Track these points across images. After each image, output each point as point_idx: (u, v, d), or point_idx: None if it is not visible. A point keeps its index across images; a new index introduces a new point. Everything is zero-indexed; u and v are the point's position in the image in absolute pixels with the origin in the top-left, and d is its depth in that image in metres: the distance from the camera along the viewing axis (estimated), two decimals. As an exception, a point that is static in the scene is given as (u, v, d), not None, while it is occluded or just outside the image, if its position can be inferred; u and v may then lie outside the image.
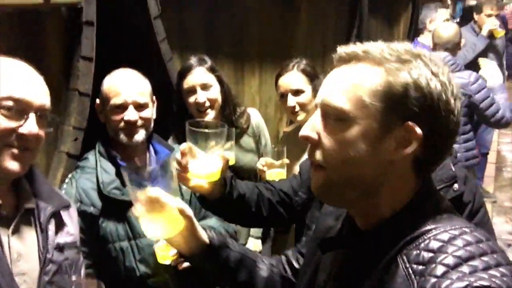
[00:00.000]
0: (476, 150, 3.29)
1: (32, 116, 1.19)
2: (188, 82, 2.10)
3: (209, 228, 1.21)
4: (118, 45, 2.13)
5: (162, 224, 1.06)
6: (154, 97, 1.82)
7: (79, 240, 1.43)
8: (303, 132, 0.91)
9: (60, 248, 1.31)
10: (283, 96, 2.21)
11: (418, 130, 0.84)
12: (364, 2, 3.93)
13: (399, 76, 0.85)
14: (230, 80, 2.69)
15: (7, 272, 1.16)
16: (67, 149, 1.76)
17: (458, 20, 5.50)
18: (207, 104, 2.09)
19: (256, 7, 2.87)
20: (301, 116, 2.14)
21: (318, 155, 0.89)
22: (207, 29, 2.56)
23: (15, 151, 1.18)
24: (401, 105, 0.84)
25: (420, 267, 0.79)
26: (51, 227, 1.30)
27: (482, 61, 3.22)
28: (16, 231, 1.25)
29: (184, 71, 2.12)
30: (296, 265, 1.24)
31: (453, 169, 1.36)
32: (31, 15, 1.62)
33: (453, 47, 3.26)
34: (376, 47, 0.89)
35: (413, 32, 4.96)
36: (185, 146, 1.29)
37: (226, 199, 1.42)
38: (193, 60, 2.13)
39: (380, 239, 0.88)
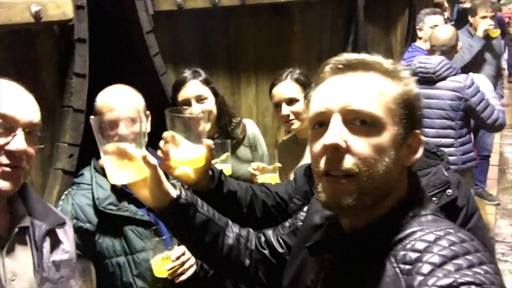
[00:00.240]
0: (474, 152, 3.27)
1: (19, 132, 1.19)
2: (183, 95, 2.11)
3: (182, 187, 1.23)
4: (112, 60, 2.14)
5: (127, 171, 1.12)
6: (148, 112, 1.83)
7: (76, 257, 1.44)
8: (330, 140, 0.87)
9: (56, 266, 1.31)
10: (278, 106, 2.22)
11: (423, 138, 0.93)
12: (360, 7, 3.94)
13: (411, 86, 0.93)
14: (226, 91, 2.70)
15: (2, 292, 1.16)
16: (62, 165, 1.77)
17: (453, 23, 5.50)
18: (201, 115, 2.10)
19: (250, 19, 2.88)
20: (295, 125, 2.15)
21: (349, 163, 0.87)
22: (201, 41, 2.58)
23: (5, 169, 1.18)
24: (412, 113, 0.92)
25: (407, 266, 0.82)
26: (46, 245, 1.31)
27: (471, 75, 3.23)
28: (10, 250, 1.25)
29: (179, 84, 2.13)
30: (279, 249, 1.24)
31: (446, 174, 1.35)
32: (23, 34, 1.64)
33: (449, 50, 3.26)
34: (377, 58, 0.95)
35: (410, 37, 4.96)
36: (167, 133, 1.28)
37: (214, 193, 1.41)
38: (187, 73, 2.14)
39: (368, 241, 0.91)
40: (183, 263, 1.67)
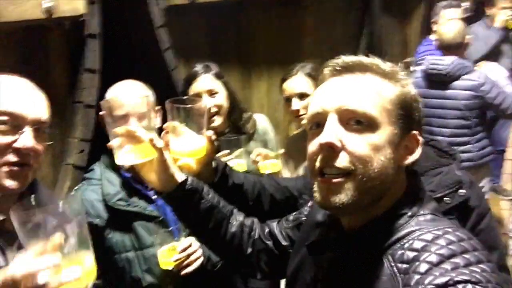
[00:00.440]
0: (491, 146, 3.23)
1: (27, 130, 1.19)
2: (194, 89, 2.10)
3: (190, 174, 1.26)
4: (123, 55, 2.15)
5: (134, 152, 1.15)
6: (157, 107, 1.83)
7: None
8: (325, 139, 0.89)
9: None
10: (288, 100, 2.20)
11: (421, 139, 0.94)
12: (376, -1, 3.88)
13: (408, 88, 0.95)
14: (237, 85, 2.69)
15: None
16: (73, 161, 1.79)
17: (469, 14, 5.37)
18: (214, 110, 2.10)
19: (261, 12, 2.86)
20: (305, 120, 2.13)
21: (344, 161, 0.89)
22: (212, 35, 2.57)
23: (13, 168, 1.18)
24: (410, 115, 0.94)
25: (405, 265, 0.83)
26: None
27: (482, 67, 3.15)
28: (21, 247, 1.26)
29: (190, 78, 2.13)
30: (283, 242, 1.26)
31: (458, 173, 1.33)
32: (35, 30, 1.65)
33: (457, 47, 3.15)
34: (375, 60, 0.97)
35: (426, 30, 4.87)
36: (167, 124, 1.29)
37: (218, 186, 1.40)
38: (198, 67, 2.14)
39: (366, 240, 0.92)
40: (189, 255, 1.66)
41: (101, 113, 1.25)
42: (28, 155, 1.19)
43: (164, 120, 1.83)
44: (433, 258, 0.79)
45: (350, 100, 0.91)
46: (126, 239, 1.68)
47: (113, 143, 1.16)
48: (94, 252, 1.50)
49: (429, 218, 0.91)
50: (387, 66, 0.97)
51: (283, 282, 1.46)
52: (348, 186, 0.88)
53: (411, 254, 0.83)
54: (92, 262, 0.89)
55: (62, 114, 1.78)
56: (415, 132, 0.94)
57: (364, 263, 0.89)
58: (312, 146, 0.94)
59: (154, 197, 1.71)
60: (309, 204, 1.25)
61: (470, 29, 3.39)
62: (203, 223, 1.27)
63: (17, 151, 1.18)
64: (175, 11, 2.25)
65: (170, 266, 1.64)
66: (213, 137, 1.34)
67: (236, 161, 1.91)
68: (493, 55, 4.09)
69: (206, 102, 2.08)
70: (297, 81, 2.19)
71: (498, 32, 4.05)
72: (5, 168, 1.17)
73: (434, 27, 4.07)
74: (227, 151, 1.85)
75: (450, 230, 0.85)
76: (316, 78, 2.20)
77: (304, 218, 1.24)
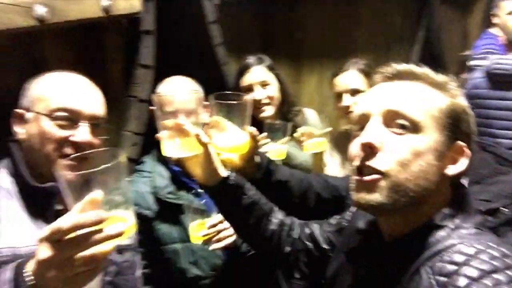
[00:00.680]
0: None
1: (84, 124, 1.26)
2: (246, 80, 2.13)
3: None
4: (176, 50, 2.19)
5: (181, 146, 1.18)
6: (206, 103, 1.86)
7: (137, 242, 1.52)
8: (365, 139, 0.92)
9: (119, 250, 1.39)
10: (339, 96, 2.18)
11: (468, 151, 0.94)
12: (436, -13, 3.73)
13: (459, 99, 0.96)
14: (288, 79, 2.68)
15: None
16: (126, 154, 1.85)
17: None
18: (265, 101, 2.11)
19: (314, 5, 2.82)
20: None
21: (381, 162, 0.90)
22: (263, 30, 2.57)
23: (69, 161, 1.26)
24: (458, 125, 0.94)
25: (444, 278, 0.81)
26: None
27: None
28: None
29: (243, 70, 2.15)
30: (324, 245, 1.27)
31: None
32: (93, 27, 1.72)
33: None
34: (426, 70, 0.98)
35: (488, 22, 4.62)
36: (211, 119, 1.31)
37: (262, 181, 1.41)
38: (251, 59, 2.16)
39: (405, 250, 0.91)
40: (219, 232, 1.66)
41: (151, 107, 1.29)
42: (85, 149, 1.26)
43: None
44: (474, 273, 0.77)
45: (395, 102, 0.93)
46: (173, 231, 1.73)
47: (161, 135, 1.20)
48: (144, 242, 1.58)
49: (472, 232, 0.89)
50: (438, 76, 0.97)
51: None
52: (383, 185, 0.89)
53: (451, 268, 0.81)
54: (133, 220, 0.92)
55: (118, 108, 1.85)
56: (462, 143, 0.94)
57: (402, 273, 0.89)
58: (353, 146, 0.96)
59: (200, 191, 1.74)
60: (352, 209, 1.25)
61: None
62: (244, 219, 1.30)
63: (74, 145, 1.25)
64: (226, 6, 2.26)
65: (199, 241, 1.65)
66: (256, 133, 1.35)
67: (277, 147, 1.87)
68: None
69: (256, 94, 2.10)
70: (349, 77, 2.16)
71: None
72: (63, 161, 1.25)
73: (494, 20, 3.84)
74: (265, 134, 1.79)
75: (493, 245, 0.83)
76: (368, 74, 2.18)
77: (345, 223, 1.24)
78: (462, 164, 0.93)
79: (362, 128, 0.96)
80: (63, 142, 1.25)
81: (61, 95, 1.26)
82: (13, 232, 1.17)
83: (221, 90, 2.20)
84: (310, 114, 2.39)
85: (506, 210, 1.22)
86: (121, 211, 0.90)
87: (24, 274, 0.88)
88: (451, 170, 0.93)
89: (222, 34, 2.21)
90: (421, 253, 0.88)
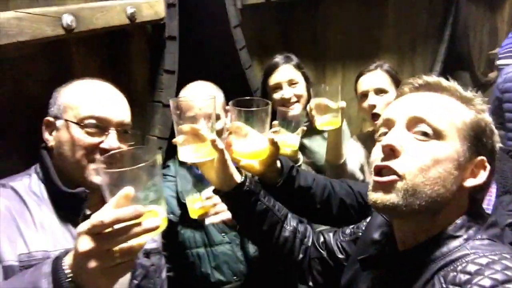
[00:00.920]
0: None
1: (112, 132, 1.31)
2: (274, 79, 2.14)
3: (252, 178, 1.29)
4: (200, 55, 2.22)
5: (196, 151, 1.19)
6: (227, 107, 1.88)
7: (161, 245, 1.54)
8: (387, 141, 0.94)
9: (147, 254, 1.42)
10: (364, 96, 2.16)
11: (488, 166, 0.95)
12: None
13: (484, 115, 0.97)
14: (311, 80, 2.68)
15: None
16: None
17: None
18: (293, 99, 2.12)
19: (339, 6, 2.81)
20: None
21: (401, 165, 0.92)
22: (286, 32, 2.57)
23: (100, 166, 1.29)
24: (481, 140, 0.95)
25: (457, 287, 0.82)
26: None
27: None
28: None
29: (271, 69, 2.16)
30: (338, 254, 1.28)
31: None
32: (118, 34, 1.75)
33: None
34: (454, 84, 1.01)
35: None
36: (231, 124, 1.32)
37: (283, 187, 1.41)
38: (279, 57, 2.17)
39: (419, 259, 0.92)
40: (215, 205, 1.63)
41: (170, 99, 1.30)
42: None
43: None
44: (486, 283, 0.78)
45: (419, 110, 0.95)
46: (197, 235, 1.75)
47: (178, 139, 1.21)
48: (168, 246, 1.60)
49: (485, 243, 0.90)
50: (465, 91, 0.99)
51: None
52: (400, 187, 0.90)
53: (463, 277, 0.82)
54: (165, 215, 0.96)
55: (143, 113, 1.88)
56: (483, 158, 0.95)
57: (416, 282, 0.90)
58: (375, 149, 0.99)
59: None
60: (368, 220, 1.25)
61: None
62: (257, 225, 1.31)
63: (103, 151, 1.28)
64: (250, 9, 2.27)
65: (195, 215, 1.64)
66: (275, 139, 1.35)
67: (289, 137, 1.71)
68: None
69: (284, 93, 2.10)
70: (375, 76, 2.15)
71: None
72: (93, 166, 1.29)
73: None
74: (276, 123, 1.69)
75: (507, 256, 0.84)
76: (394, 76, 2.16)
77: (360, 233, 1.25)
78: (481, 177, 0.95)
79: (385, 133, 0.99)
80: (93, 149, 1.29)
81: (90, 104, 1.30)
82: (45, 236, 1.21)
83: (244, 94, 2.23)
84: None
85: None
86: (155, 206, 0.93)
87: (63, 267, 0.92)
88: (470, 182, 0.94)
89: (244, 38, 2.22)
90: (434, 263, 0.90)
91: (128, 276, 1.35)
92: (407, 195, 0.90)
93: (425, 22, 3.56)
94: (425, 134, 0.93)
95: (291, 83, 2.13)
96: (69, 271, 0.91)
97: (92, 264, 0.87)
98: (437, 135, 0.92)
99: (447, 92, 1.00)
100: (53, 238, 1.22)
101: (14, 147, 1.44)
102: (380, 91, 2.12)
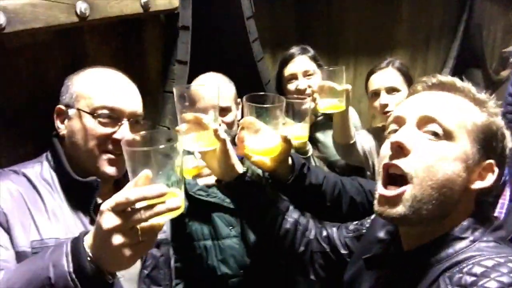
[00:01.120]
0: None
1: (125, 122, 1.30)
2: (290, 69, 2.14)
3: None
4: (212, 46, 2.20)
5: (199, 140, 1.20)
6: (239, 100, 1.87)
7: (170, 236, 1.55)
8: (396, 138, 0.93)
9: (157, 244, 1.43)
10: (375, 94, 2.14)
11: (497, 169, 0.94)
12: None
13: (496, 118, 0.97)
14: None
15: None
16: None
17: None
18: (308, 91, 2.08)
19: (353, 0, 2.78)
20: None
21: (409, 164, 0.91)
22: (300, 25, 2.55)
23: (111, 156, 1.30)
24: (491, 143, 0.95)
25: None
26: None
27: None
28: None
29: (286, 59, 2.16)
30: (341, 250, 1.28)
31: None
32: (132, 23, 1.74)
33: None
34: (469, 85, 1.00)
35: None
36: (244, 120, 1.31)
37: (294, 184, 1.40)
38: (295, 48, 2.17)
39: (424, 260, 0.92)
40: None
41: (174, 86, 1.29)
42: None
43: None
44: (492, 285, 0.78)
45: (431, 109, 0.95)
46: (204, 228, 1.74)
47: (180, 128, 1.21)
48: (176, 237, 1.60)
49: (491, 245, 0.90)
50: (479, 94, 0.98)
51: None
52: (407, 197, 0.90)
53: (469, 279, 0.82)
54: (184, 198, 0.97)
55: (155, 103, 1.88)
56: (492, 161, 0.94)
57: (421, 283, 0.90)
58: (384, 147, 0.98)
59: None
60: (372, 217, 1.26)
61: None
62: (258, 216, 1.32)
63: (116, 142, 1.29)
64: (264, 1, 2.25)
65: (189, 175, 1.63)
66: (288, 137, 1.34)
67: (298, 127, 1.58)
68: None
69: (299, 83, 2.08)
70: (387, 75, 2.13)
71: None
72: (105, 156, 1.30)
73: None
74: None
75: None
76: (405, 73, 2.14)
77: (364, 230, 1.25)
78: (488, 181, 0.94)
79: (395, 131, 0.98)
80: (105, 139, 1.29)
81: (103, 94, 1.30)
82: (57, 224, 1.22)
83: (256, 86, 2.22)
84: (350, 111, 2.35)
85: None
86: (176, 189, 0.95)
87: (84, 246, 0.93)
88: (477, 185, 0.94)
89: (257, 30, 2.20)
90: (440, 264, 0.90)
91: (138, 266, 1.36)
92: (415, 202, 0.90)
93: (440, 18, 3.52)
94: (435, 134, 0.92)
95: (306, 74, 2.13)
96: (89, 250, 0.92)
97: (116, 240, 0.88)
98: (447, 135, 0.92)
99: (461, 93, 0.99)
100: (65, 226, 1.23)
101: (29, 134, 1.44)
102: (392, 90, 2.10)
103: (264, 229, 1.35)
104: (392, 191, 0.92)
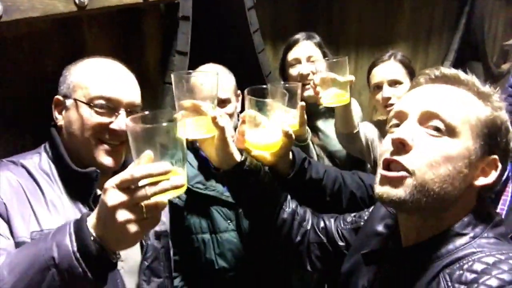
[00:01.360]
0: None
1: (122, 112, 1.29)
2: (293, 54, 2.11)
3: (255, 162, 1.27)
4: (212, 37, 2.18)
5: (197, 127, 1.19)
6: (238, 91, 1.85)
7: (169, 229, 1.54)
8: (398, 135, 0.92)
9: (157, 236, 1.42)
10: (378, 87, 2.12)
11: (499, 165, 0.93)
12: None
13: (499, 112, 0.94)
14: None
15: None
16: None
17: None
18: (311, 77, 2.05)
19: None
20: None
21: (410, 160, 0.90)
22: (301, 17, 2.53)
23: (108, 147, 1.29)
24: (495, 138, 0.93)
25: (462, 286, 0.81)
26: None
27: None
28: None
29: (291, 44, 2.13)
30: (339, 242, 1.27)
31: None
32: (131, 13, 1.71)
33: None
34: (473, 78, 0.97)
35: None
36: (244, 113, 1.29)
37: (295, 179, 1.40)
38: (301, 34, 2.14)
39: (424, 255, 0.92)
40: None
41: (172, 73, 1.27)
42: (123, 136, 1.28)
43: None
44: (493, 282, 0.77)
45: (434, 104, 0.93)
46: (203, 221, 1.74)
47: (178, 115, 1.17)
48: (174, 230, 1.59)
49: (492, 242, 0.89)
50: (484, 87, 0.96)
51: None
52: (408, 183, 0.89)
53: (470, 276, 0.81)
54: (186, 176, 0.97)
55: (154, 94, 1.86)
56: (496, 157, 0.93)
57: (420, 279, 0.89)
58: (386, 141, 0.97)
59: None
60: (370, 209, 1.25)
61: None
62: (256, 205, 1.31)
63: (113, 132, 1.28)
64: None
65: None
66: (290, 132, 1.33)
67: (289, 115, 1.48)
68: None
69: (302, 68, 2.05)
70: (389, 67, 2.11)
71: None
72: (102, 147, 1.29)
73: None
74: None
75: None
76: (408, 66, 2.12)
77: (362, 223, 1.24)
78: (492, 177, 0.93)
79: (397, 125, 0.97)
80: (102, 129, 1.28)
81: (100, 84, 1.28)
82: (57, 215, 1.21)
83: (256, 78, 2.20)
84: (353, 103, 2.33)
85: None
86: (179, 168, 0.95)
87: (87, 226, 0.92)
88: (481, 181, 0.93)
89: (259, 21, 2.17)
90: (439, 260, 0.89)
91: (138, 258, 1.36)
92: (415, 191, 0.89)
93: (441, 10, 3.50)
94: (437, 129, 0.91)
95: (309, 59, 2.08)
96: (92, 230, 0.92)
97: (121, 217, 0.87)
98: (450, 131, 0.90)
99: (465, 86, 0.96)
100: (64, 217, 1.21)
101: (27, 126, 1.43)
102: (394, 83, 2.08)
103: (261, 219, 1.34)
104: (394, 173, 0.91)
